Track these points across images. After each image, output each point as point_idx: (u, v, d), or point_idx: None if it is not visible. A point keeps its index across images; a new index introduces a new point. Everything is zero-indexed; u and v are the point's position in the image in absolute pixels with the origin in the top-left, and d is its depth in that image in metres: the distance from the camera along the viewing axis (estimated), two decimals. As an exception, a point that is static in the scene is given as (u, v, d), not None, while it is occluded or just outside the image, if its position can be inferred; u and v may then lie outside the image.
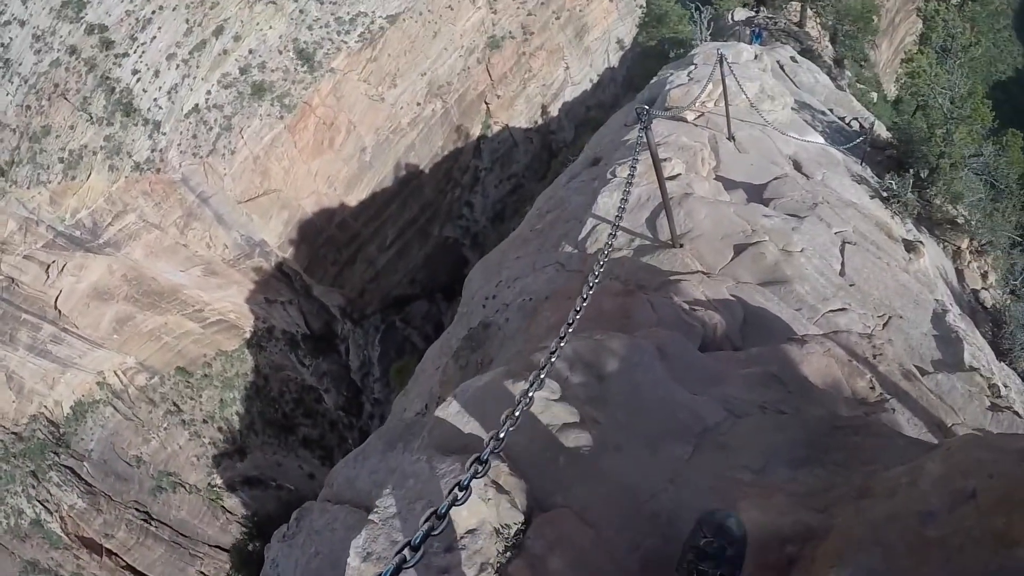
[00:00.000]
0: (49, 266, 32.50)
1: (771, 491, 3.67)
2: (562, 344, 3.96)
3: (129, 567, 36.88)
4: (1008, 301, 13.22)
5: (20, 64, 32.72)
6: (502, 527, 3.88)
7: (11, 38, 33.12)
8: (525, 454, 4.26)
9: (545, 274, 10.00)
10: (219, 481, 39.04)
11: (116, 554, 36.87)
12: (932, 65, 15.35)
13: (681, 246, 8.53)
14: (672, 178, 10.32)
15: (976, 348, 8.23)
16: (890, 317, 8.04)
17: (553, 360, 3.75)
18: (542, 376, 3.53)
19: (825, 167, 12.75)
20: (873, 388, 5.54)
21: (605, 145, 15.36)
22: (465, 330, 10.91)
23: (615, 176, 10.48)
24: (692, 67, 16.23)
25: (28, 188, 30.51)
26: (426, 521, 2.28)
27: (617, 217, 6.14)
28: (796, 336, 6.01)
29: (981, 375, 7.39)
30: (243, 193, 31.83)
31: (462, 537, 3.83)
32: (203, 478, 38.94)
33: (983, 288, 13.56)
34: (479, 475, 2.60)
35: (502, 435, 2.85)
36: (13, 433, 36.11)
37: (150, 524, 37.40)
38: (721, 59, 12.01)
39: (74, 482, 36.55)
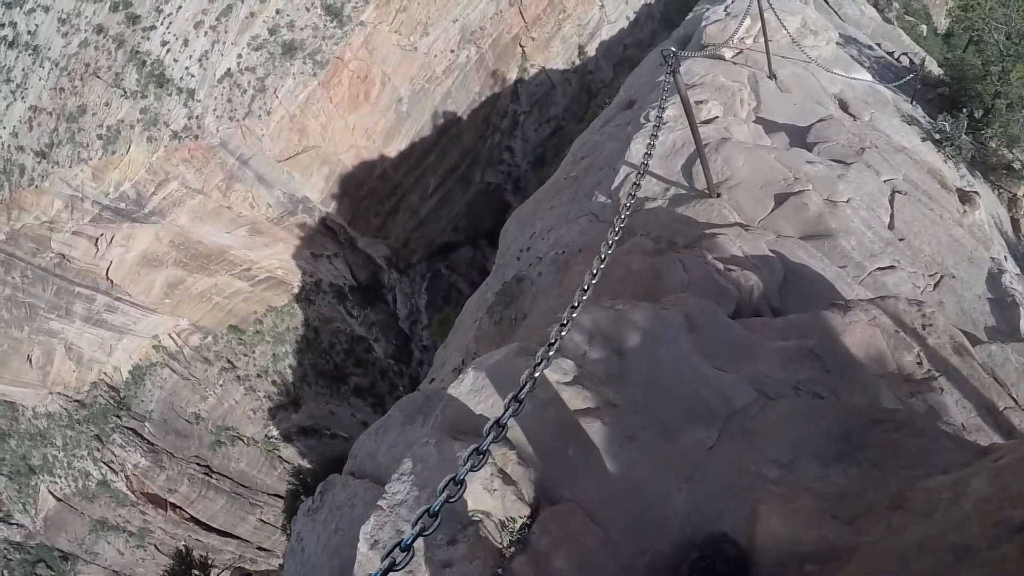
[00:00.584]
0: (98, 239, 32.74)
1: (797, 491, 3.19)
2: (574, 315, 3.54)
3: (193, 519, 37.96)
4: (1066, 254, 12.29)
5: (49, 49, 32.65)
6: (507, 520, 3.58)
7: (37, 24, 33.02)
8: (535, 440, 3.82)
9: (578, 225, 9.45)
10: (275, 432, 39.70)
11: (180, 507, 37.93)
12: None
13: (719, 196, 7.87)
14: (708, 121, 9.59)
15: None
16: (942, 276, 7.32)
17: (563, 334, 3.32)
18: (550, 355, 3.09)
19: (873, 107, 11.84)
20: (921, 364, 4.96)
21: (640, 87, 14.54)
22: (500, 284, 10.47)
23: (649, 120, 9.77)
24: (729, 1, 15.19)
25: (70, 167, 30.57)
26: (418, 520, 2.21)
27: (642, 165, 5.56)
28: (839, 301, 5.39)
29: None
30: (282, 152, 31.52)
31: (465, 527, 3.53)
32: (260, 430, 39.64)
33: (1041, 237, 12.62)
34: (476, 467, 2.48)
35: (503, 422, 2.64)
36: (76, 401, 37.03)
37: (211, 477, 38.35)
38: (759, -10, 11.13)
39: (137, 442, 37.48)
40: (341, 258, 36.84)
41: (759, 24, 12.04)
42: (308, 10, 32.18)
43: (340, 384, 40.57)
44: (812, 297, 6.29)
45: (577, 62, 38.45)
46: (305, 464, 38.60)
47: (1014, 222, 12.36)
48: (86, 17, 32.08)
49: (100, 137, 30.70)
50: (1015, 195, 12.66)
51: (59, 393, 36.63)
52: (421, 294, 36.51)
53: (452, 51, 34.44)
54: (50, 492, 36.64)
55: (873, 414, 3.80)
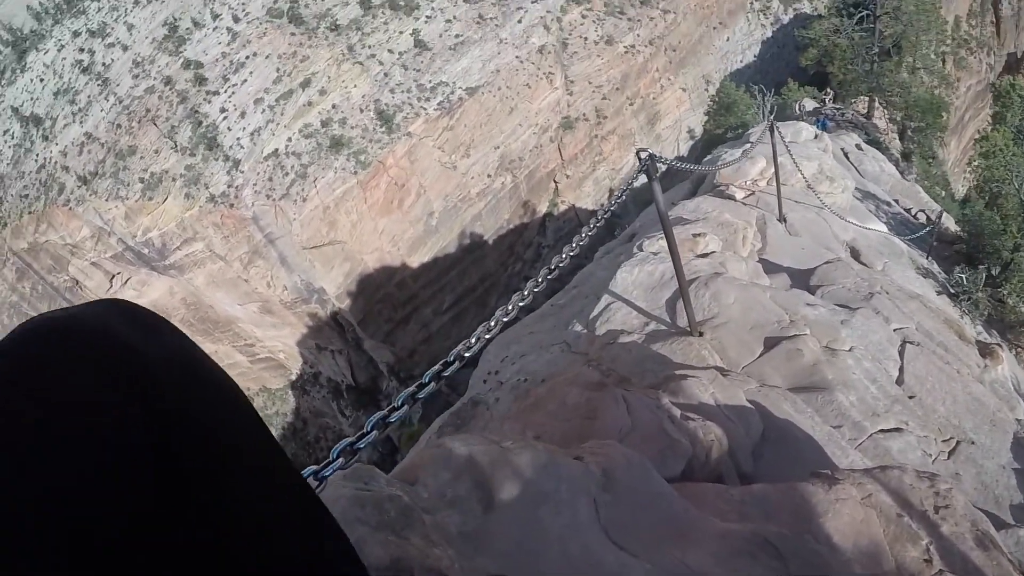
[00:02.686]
0: (114, 276, 32.61)
1: None
2: (470, 348, 2.77)
3: None
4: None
5: (118, 85, 33.49)
6: None
7: (113, 59, 33.97)
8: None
9: (549, 353, 8.25)
10: None
11: None
12: (1008, 145, 13.15)
13: (701, 334, 6.63)
14: (704, 255, 8.48)
15: None
16: (959, 442, 5.87)
17: (445, 375, 2.56)
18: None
19: (887, 257, 10.67)
20: (930, 561, 3.52)
21: (647, 220, 13.60)
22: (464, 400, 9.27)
23: (641, 250, 8.66)
24: (747, 145, 14.43)
25: (107, 200, 30.78)
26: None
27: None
28: (824, 471, 4.02)
29: None
30: (309, 240, 31.40)
31: None
32: None
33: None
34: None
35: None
36: None
37: None
38: (772, 129, 10.26)
39: None
40: (344, 356, 35.94)
41: (773, 168, 11.19)
42: (362, 111, 32.67)
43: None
44: (795, 462, 4.89)
45: (606, 204, 38.32)
46: None
47: (1033, 385, 10.86)
48: (159, 66, 32.93)
49: (142, 181, 30.78)
50: (1035, 354, 11.24)
51: None
52: (417, 407, 34.97)
53: (489, 176, 34.53)
54: None
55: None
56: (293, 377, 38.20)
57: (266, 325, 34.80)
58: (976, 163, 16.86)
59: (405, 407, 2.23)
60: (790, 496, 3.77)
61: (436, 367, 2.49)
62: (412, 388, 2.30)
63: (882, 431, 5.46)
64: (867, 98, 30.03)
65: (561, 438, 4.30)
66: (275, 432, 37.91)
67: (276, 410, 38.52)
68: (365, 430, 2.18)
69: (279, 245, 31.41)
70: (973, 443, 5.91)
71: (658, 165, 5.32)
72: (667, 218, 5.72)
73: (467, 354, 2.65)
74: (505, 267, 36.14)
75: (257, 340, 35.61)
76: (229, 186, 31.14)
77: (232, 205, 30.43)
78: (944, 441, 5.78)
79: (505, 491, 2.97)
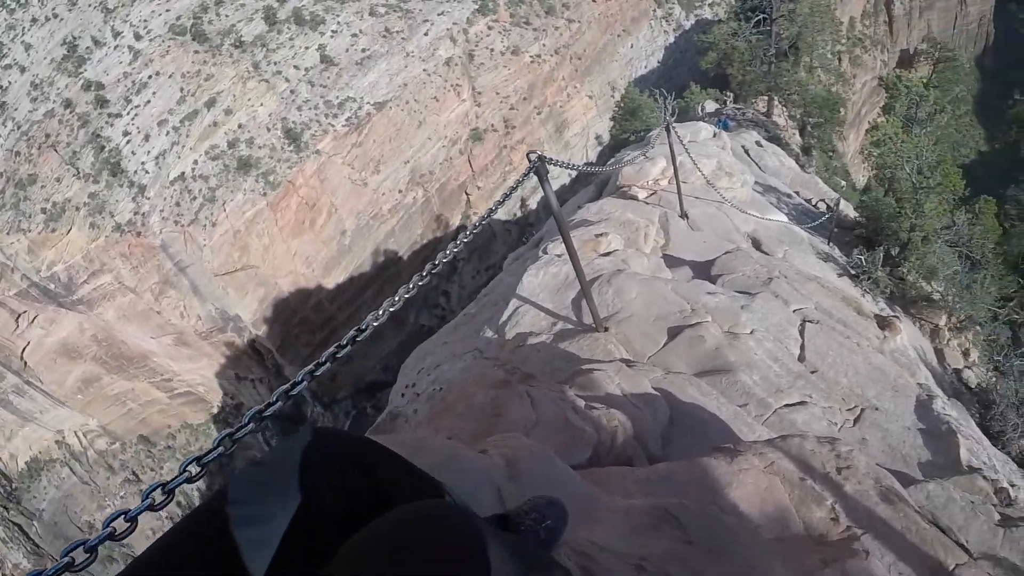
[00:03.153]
0: (20, 316, 30.88)
1: None
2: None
3: None
4: (993, 379, 11.33)
5: (16, 109, 31.93)
6: None
7: (10, 82, 32.36)
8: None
9: (463, 361, 8.31)
10: None
11: None
12: (898, 133, 13.90)
13: (606, 329, 6.75)
14: (607, 254, 8.67)
15: (974, 441, 6.29)
16: (863, 410, 6.13)
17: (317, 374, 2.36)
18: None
19: (788, 245, 11.11)
20: (837, 520, 3.63)
21: (553, 225, 13.80)
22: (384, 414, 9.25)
23: (546, 253, 8.78)
24: (648, 147, 14.83)
25: (8, 234, 29.23)
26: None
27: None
28: (726, 445, 4.14)
29: (984, 477, 5.48)
30: (221, 266, 30.52)
31: None
32: None
33: (966, 367, 11.65)
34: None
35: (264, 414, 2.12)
36: None
37: None
38: (668, 129, 10.57)
39: (21, 540, 33.70)
40: (265, 384, 35.02)
41: (673, 167, 11.52)
42: (269, 130, 31.94)
43: (249, 515, 37.14)
44: (703, 442, 5.02)
45: (519, 214, 38.60)
46: None
47: (938, 352, 11.45)
48: (58, 88, 31.43)
49: (44, 211, 29.31)
50: (937, 326, 11.84)
51: None
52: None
53: (400, 191, 34.28)
54: None
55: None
56: (215, 410, 36.87)
57: (182, 358, 33.58)
58: (869, 151, 17.75)
59: (279, 403, 2.16)
60: (693, 471, 3.85)
61: (309, 367, 2.40)
62: (286, 386, 2.20)
63: (787, 406, 5.66)
64: (767, 97, 31.24)
65: (470, 437, 4.29)
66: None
67: (200, 446, 37.03)
68: (243, 421, 2.11)
69: (190, 273, 30.42)
70: (877, 409, 6.18)
71: (548, 167, 5.40)
72: (562, 217, 5.82)
73: (339, 355, 2.60)
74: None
75: (174, 374, 34.27)
76: (135, 213, 29.98)
77: (139, 233, 29.33)
78: (849, 410, 6.04)
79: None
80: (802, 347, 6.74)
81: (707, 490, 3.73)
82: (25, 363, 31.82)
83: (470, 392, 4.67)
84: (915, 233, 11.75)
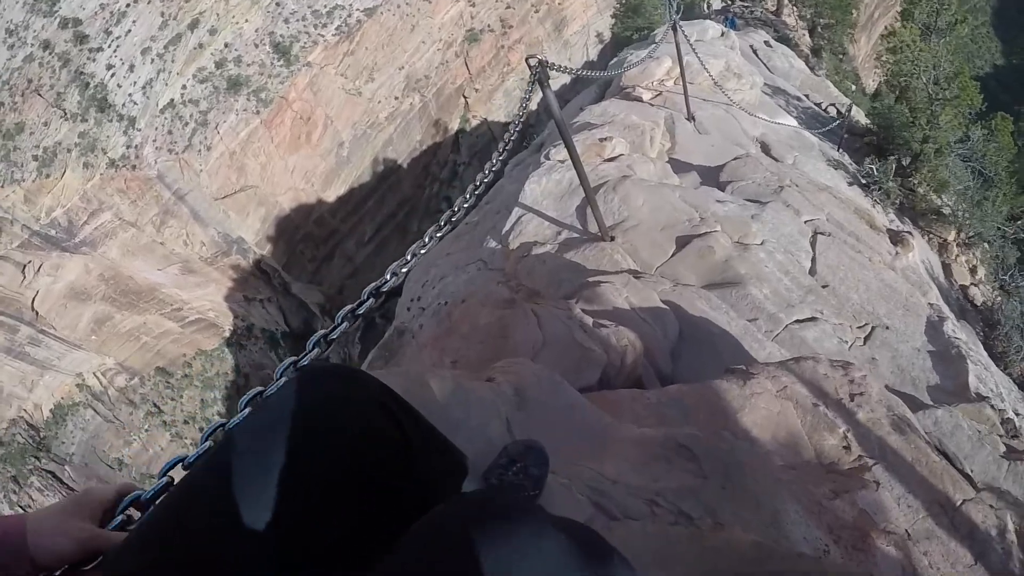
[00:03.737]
0: (25, 266, 30.54)
1: None
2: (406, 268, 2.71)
3: None
4: (999, 298, 11.20)
5: None
6: None
7: None
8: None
9: (466, 273, 8.06)
10: None
11: None
12: (916, 40, 13.29)
13: (612, 239, 6.51)
14: (612, 159, 8.32)
15: (982, 367, 6.13)
16: (873, 328, 5.95)
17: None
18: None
19: (797, 150, 10.72)
20: (849, 448, 3.53)
21: (555, 128, 13.33)
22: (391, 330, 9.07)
23: (548, 159, 8.43)
24: (652, 46, 14.17)
25: (2, 187, 28.52)
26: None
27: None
28: (738, 367, 3.97)
29: (992, 407, 5.35)
30: (220, 190, 29.96)
31: None
32: None
33: (972, 284, 11.48)
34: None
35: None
36: None
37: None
38: (675, 27, 10.02)
39: (56, 486, 34.49)
40: (274, 303, 34.96)
41: (679, 67, 11.01)
42: (257, 47, 30.90)
43: (269, 435, 37.82)
44: (713, 359, 4.87)
45: (519, 115, 37.58)
46: None
47: (945, 267, 11.25)
48: (34, 31, 30.35)
49: (36, 159, 28.75)
50: (945, 240, 11.59)
51: None
52: (355, 343, 34.55)
53: (396, 98, 33.35)
54: None
55: (764, 559, 2.35)
56: (227, 334, 36.84)
57: (190, 286, 33.33)
58: (884, 58, 17.05)
59: (345, 323, 2.15)
60: (706, 395, 3.71)
61: (372, 285, 2.40)
62: (351, 305, 2.24)
63: (797, 321, 5.48)
64: (774, -5, 30.05)
65: (477, 360, 4.13)
66: (219, 394, 36.70)
67: (216, 371, 37.27)
68: (308, 349, 2.03)
69: (189, 200, 29.85)
70: (888, 328, 6.01)
71: (550, 72, 5.05)
72: (564, 124, 5.48)
73: (404, 269, 2.62)
74: (423, 189, 35.36)
75: (184, 303, 34.11)
76: (128, 147, 29.16)
77: (134, 167, 28.62)
78: (859, 327, 5.86)
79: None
80: (813, 260, 6.50)
81: (719, 414, 3.60)
82: (36, 313, 31.70)
83: (475, 312, 4.47)
84: (928, 145, 11.35)
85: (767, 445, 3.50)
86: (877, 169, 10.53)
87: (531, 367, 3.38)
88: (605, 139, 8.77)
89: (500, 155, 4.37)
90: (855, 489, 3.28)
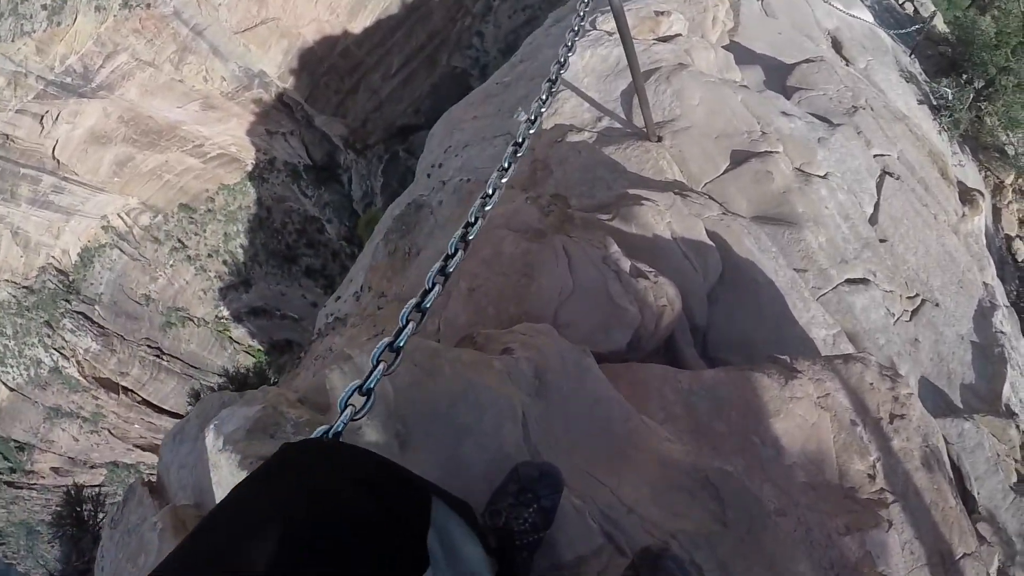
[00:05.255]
0: (43, 117, 29.21)
1: None
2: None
3: (145, 401, 36.26)
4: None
5: None
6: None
7: None
8: None
9: (493, 147, 7.23)
10: (226, 313, 37.56)
11: (132, 390, 35.92)
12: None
13: (659, 139, 5.67)
14: (667, 39, 7.23)
15: (1019, 372, 5.50)
16: (924, 302, 5.23)
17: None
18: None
19: (871, 53, 9.55)
20: (873, 478, 3.09)
21: (607, -17, 11.90)
22: (411, 197, 8.32)
23: (594, 28, 7.32)
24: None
25: (12, 41, 26.65)
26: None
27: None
28: (782, 358, 3.36)
29: (1017, 427, 4.82)
30: (239, 23, 27.94)
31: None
32: (210, 311, 37.40)
33: (1018, 235, 10.63)
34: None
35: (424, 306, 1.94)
36: (24, 287, 34.30)
37: (162, 359, 36.35)
38: None
39: (87, 326, 35.03)
40: (297, 136, 33.74)
41: (755, -69, 9.57)
42: None
43: (291, 265, 37.94)
44: (753, 313, 4.24)
45: (561, -51, 34.49)
46: (255, 346, 36.89)
47: (995, 210, 10.39)
48: None
49: (44, 7, 26.79)
50: (1002, 182, 10.63)
51: (7, 280, 33.87)
52: (377, 176, 33.69)
53: (427, -79, 30.46)
54: (3, 383, 34.35)
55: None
56: (249, 168, 35.82)
57: (211, 122, 31.82)
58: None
59: (437, 287, 1.99)
60: (742, 387, 3.15)
61: (435, 267, 2.08)
62: (439, 263, 2.09)
63: (848, 281, 4.79)
64: None
65: (497, 295, 3.50)
66: (242, 227, 36.45)
67: (239, 204, 36.60)
68: (401, 323, 1.87)
69: (208, 35, 27.80)
70: (938, 305, 5.32)
71: None
72: (621, 10, 4.46)
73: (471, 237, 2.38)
74: (454, 22, 32.94)
75: (205, 139, 32.77)
76: None
77: (149, 5, 26.33)
78: (909, 298, 5.16)
79: (422, 428, 2.22)
80: (876, 207, 5.66)
81: (752, 414, 3.10)
82: (58, 161, 30.52)
83: (498, 236, 3.76)
84: (1008, 77, 10.11)
85: (794, 457, 3.10)
86: (953, 95, 9.41)
87: (556, 342, 2.75)
88: (662, 13, 7.64)
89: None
90: (867, 528, 2.96)
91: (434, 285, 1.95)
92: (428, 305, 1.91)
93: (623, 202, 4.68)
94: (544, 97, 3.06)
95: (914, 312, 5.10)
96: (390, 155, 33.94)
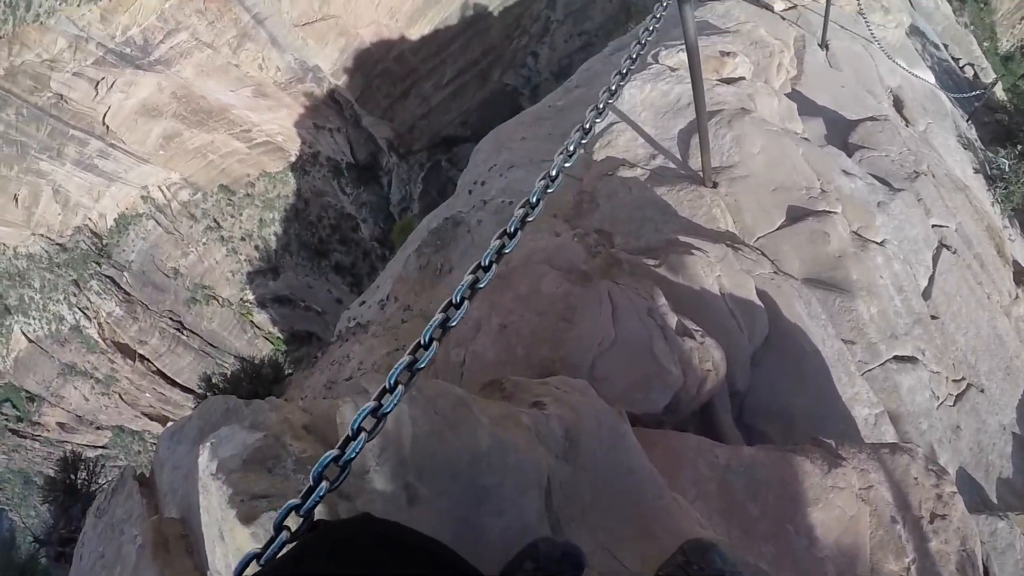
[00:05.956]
0: (98, 83, 29.67)
1: None
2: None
3: (159, 372, 36.68)
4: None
5: None
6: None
7: None
8: None
9: (541, 171, 6.97)
10: (251, 297, 37.86)
11: (148, 359, 36.51)
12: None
13: (715, 185, 5.43)
14: (731, 81, 6.99)
15: None
16: (969, 386, 4.92)
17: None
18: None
19: (931, 116, 9.23)
20: (903, 580, 2.84)
21: (671, 16, 11.67)
22: (449, 212, 8.12)
23: (656, 62, 7.10)
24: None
25: (78, 6, 27.14)
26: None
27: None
28: (828, 441, 3.11)
29: None
30: (300, 16, 28.21)
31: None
32: (236, 293, 37.71)
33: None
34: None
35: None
36: (58, 244, 34.86)
37: (182, 333, 36.72)
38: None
39: (113, 291, 35.51)
40: (343, 133, 33.89)
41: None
42: None
43: (321, 259, 38.18)
44: (796, 382, 3.98)
45: (628, -20, 34.35)
46: (275, 333, 37.04)
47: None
48: None
49: None
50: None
51: (42, 235, 34.43)
52: (417, 183, 33.70)
53: (499, -59, 30.53)
54: (23, 333, 34.97)
55: None
56: (292, 159, 36.18)
57: (261, 109, 32.17)
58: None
59: (435, 345, 1.72)
60: (782, 471, 2.91)
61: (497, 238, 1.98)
62: (470, 278, 1.85)
63: (897, 359, 4.50)
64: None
65: (531, 335, 3.28)
66: (278, 215, 36.87)
67: (277, 193, 36.99)
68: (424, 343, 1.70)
69: (268, 25, 28.12)
70: (983, 391, 5.01)
71: None
72: (696, 48, 4.26)
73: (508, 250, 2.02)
74: (510, 40, 32.94)
75: (253, 125, 33.13)
76: None
77: None
78: (955, 381, 4.85)
79: (436, 483, 2.00)
80: (931, 280, 5.35)
81: (789, 499, 2.86)
82: (107, 127, 31.05)
83: (539, 272, 3.55)
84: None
85: (827, 550, 2.87)
86: (1011, 166, 9.04)
87: (593, 402, 2.53)
88: (728, 53, 7.40)
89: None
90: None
91: (431, 341, 1.72)
92: (422, 366, 1.70)
93: (672, 249, 4.45)
94: (587, 126, 2.83)
95: (959, 397, 4.80)
96: (432, 163, 33.94)
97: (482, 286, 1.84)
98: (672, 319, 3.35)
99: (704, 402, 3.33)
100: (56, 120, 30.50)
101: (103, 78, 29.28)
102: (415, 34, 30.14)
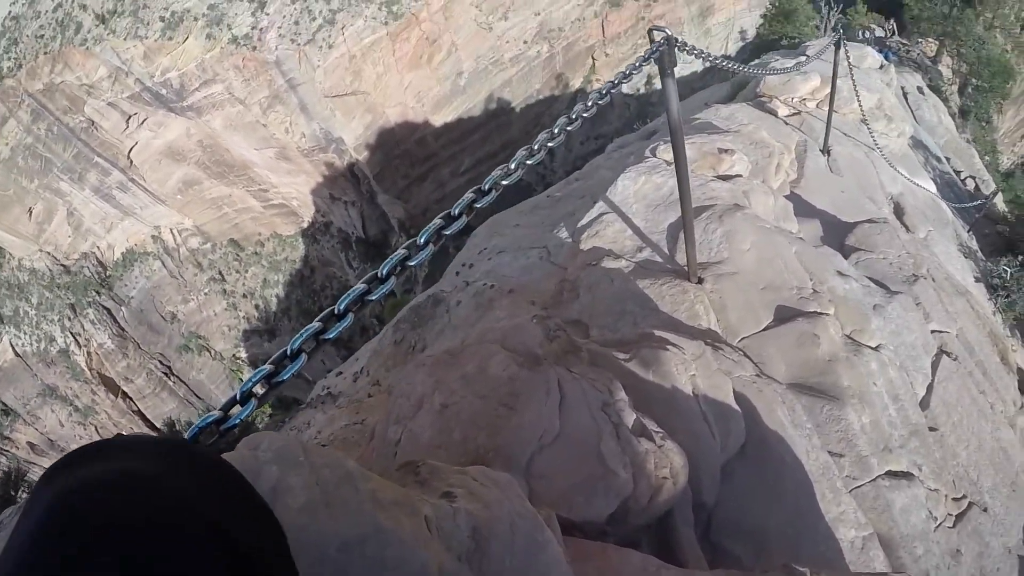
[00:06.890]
0: (130, 117, 30.72)
1: None
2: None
3: (139, 412, 36.01)
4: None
5: None
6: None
7: None
8: None
9: (527, 258, 6.75)
10: (243, 354, 37.45)
11: (131, 398, 36.13)
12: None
13: (700, 281, 5.09)
14: (727, 178, 6.77)
15: None
16: (971, 505, 4.39)
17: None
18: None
19: (932, 224, 8.94)
20: None
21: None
22: (433, 290, 7.83)
23: (653, 156, 6.92)
24: (802, 57, 12.24)
25: (125, 39, 28.51)
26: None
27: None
28: (801, 571, 2.64)
29: None
30: (331, 88, 29.23)
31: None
32: (229, 348, 37.47)
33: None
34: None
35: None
36: (62, 265, 35.17)
37: (169, 378, 36.36)
38: (839, 45, 8.33)
39: (108, 323, 35.47)
40: (357, 208, 34.40)
41: (828, 89, 9.26)
42: None
43: (319, 328, 37.83)
44: (772, 500, 3.50)
45: (642, 90, 35.34)
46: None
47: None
48: None
49: (162, 20, 28.45)
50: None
51: (48, 253, 34.69)
52: (423, 267, 33.75)
53: (525, 42, 31.69)
54: (11, 345, 34.68)
55: None
56: (304, 225, 36.80)
57: (281, 171, 33.04)
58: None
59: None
60: None
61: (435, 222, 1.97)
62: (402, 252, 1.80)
63: (890, 474, 4.01)
64: (937, 42, 26.80)
65: (470, 419, 2.88)
66: (283, 278, 36.97)
67: (286, 256, 37.45)
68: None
69: (300, 91, 29.22)
70: (986, 510, 4.47)
71: (676, 53, 3.66)
72: (679, 127, 4.04)
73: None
74: (529, 136, 33.53)
75: (271, 186, 33.96)
76: (253, 28, 28.60)
77: (255, 48, 28.02)
78: (955, 500, 4.33)
79: (299, 565, 1.58)
80: (929, 389, 4.89)
81: None
82: (131, 162, 32.02)
83: (488, 353, 3.16)
84: (1066, 258, 9.38)
85: None
86: (1012, 274, 8.69)
87: (512, 502, 2.09)
88: (725, 151, 7.21)
89: (586, 112, 3.03)
90: None
91: (346, 311, 1.65)
92: (331, 336, 1.61)
93: (645, 343, 4.06)
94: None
95: (959, 517, 4.26)
96: (440, 249, 34.15)
97: (412, 264, 1.82)
98: (630, 417, 2.94)
99: (659, 514, 2.87)
100: (83, 144, 31.00)
101: (135, 113, 29.98)
102: (439, 120, 30.93)
